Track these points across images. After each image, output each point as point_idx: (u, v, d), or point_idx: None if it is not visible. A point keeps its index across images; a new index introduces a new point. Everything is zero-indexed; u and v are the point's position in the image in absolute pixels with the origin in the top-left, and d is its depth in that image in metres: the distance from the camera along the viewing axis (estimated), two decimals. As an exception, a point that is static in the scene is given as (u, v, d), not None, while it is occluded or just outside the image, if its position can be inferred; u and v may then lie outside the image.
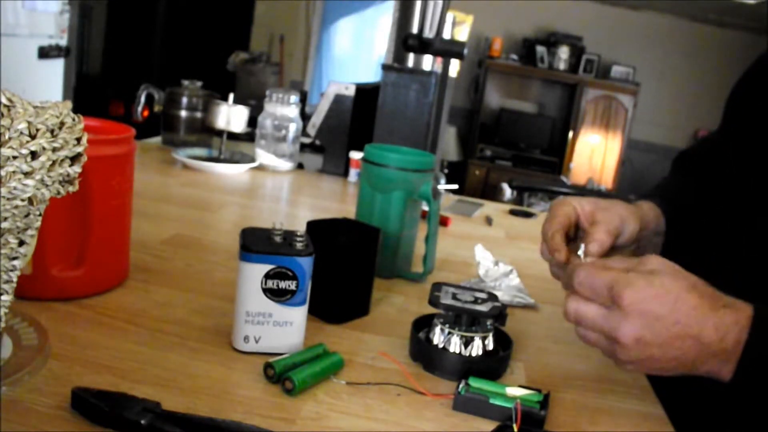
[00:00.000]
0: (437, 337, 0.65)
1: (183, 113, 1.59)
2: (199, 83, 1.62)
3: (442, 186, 0.90)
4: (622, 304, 0.54)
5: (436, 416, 0.56)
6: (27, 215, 0.47)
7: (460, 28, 4.24)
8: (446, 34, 1.46)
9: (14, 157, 0.41)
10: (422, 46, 1.37)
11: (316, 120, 1.57)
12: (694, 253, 0.68)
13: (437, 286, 0.70)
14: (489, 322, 0.66)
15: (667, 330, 0.53)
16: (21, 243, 0.48)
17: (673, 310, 0.53)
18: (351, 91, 1.54)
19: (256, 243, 0.60)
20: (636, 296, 0.53)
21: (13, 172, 0.41)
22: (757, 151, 0.72)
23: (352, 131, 1.56)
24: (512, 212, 1.46)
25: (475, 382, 0.60)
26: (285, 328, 0.62)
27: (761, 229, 0.70)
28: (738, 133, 0.79)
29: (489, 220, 1.34)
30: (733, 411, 0.68)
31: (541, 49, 5.02)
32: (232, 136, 1.56)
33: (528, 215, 1.45)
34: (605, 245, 0.66)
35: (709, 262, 0.63)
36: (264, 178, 1.48)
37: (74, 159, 0.48)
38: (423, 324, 0.70)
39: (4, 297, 0.49)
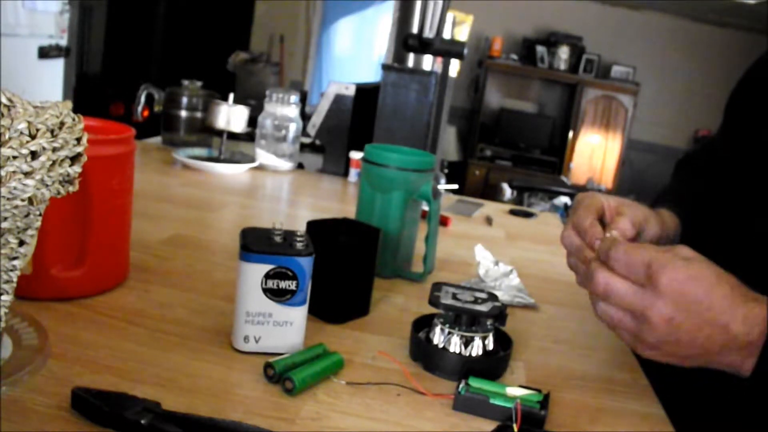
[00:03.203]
0: (437, 337, 0.65)
1: (183, 113, 1.59)
2: (199, 83, 1.62)
3: (442, 186, 0.90)
4: (659, 283, 0.53)
5: (436, 416, 0.56)
6: (27, 215, 0.47)
7: (460, 28, 4.24)
8: (446, 34, 1.46)
9: (14, 157, 0.41)
10: (422, 46, 1.37)
11: (316, 120, 1.57)
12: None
13: (437, 286, 0.70)
14: (489, 322, 0.66)
15: (699, 315, 0.53)
16: (21, 243, 0.48)
17: (708, 296, 0.53)
18: (351, 91, 1.54)
19: (256, 243, 0.60)
20: (674, 276, 0.53)
21: (13, 172, 0.41)
22: (756, 152, 0.72)
23: (352, 131, 1.56)
24: (512, 212, 1.46)
25: (475, 382, 0.60)
26: (285, 328, 0.62)
27: (760, 229, 0.70)
28: (738, 134, 0.79)
29: (489, 220, 1.34)
30: (733, 411, 0.68)
31: (541, 49, 5.02)
32: (232, 136, 1.56)
33: (528, 215, 1.45)
34: (628, 234, 0.65)
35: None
36: (264, 178, 1.48)
37: (74, 159, 0.48)
38: (423, 324, 0.70)
39: (4, 297, 0.49)
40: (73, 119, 0.47)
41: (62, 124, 0.46)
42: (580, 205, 0.69)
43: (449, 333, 0.64)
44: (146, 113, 1.63)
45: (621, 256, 0.56)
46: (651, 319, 0.53)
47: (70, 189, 0.48)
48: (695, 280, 0.53)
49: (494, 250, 0.97)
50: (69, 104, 0.48)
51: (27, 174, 0.42)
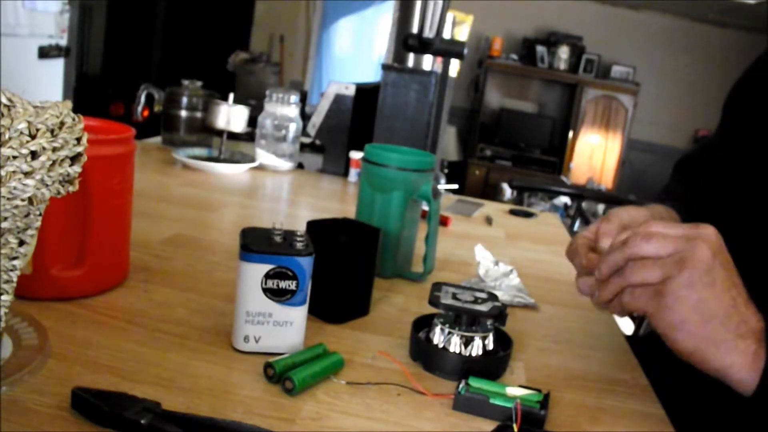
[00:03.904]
0: (437, 337, 0.65)
1: (183, 113, 1.59)
2: (199, 83, 1.62)
3: (442, 186, 0.90)
4: (702, 232, 0.55)
5: (436, 416, 0.56)
6: (27, 215, 0.47)
7: (460, 28, 4.24)
8: (446, 34, 1.46)
9: (14, 157, 0.41)
10: (422, 46, 1.37)
11: (316, 120, 1.57)
12: None
13: (437, 286, 0.70)
14: (489, 322, 0.66)
15: (731, 273, 0.55)
16: (21, 243, 0.48)
17: (735, 275, 0.56)
18: (351, 91, 1.54)
19: (256, 243, 0.60)
20: (713, 233, 0.56)
21: (13, 172, 0.41)
22: (754, 151, 0.72)
23: (352, 131, 1.56)
24: (512, 212, 1.46)
25: (475, 382, 0.60)
26: (285, 328, 0.62)
27: (759, 229, 0.70)
28: (736, 134, 0.79)
29: (489, 220, 1.34)
30: (733, 411, 0.68)
31: (541, 49, 5.02)
32: (232, 136, 1.56)
33: (528, 215, 1.45)
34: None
35: None
36: (264, 178, 1.48)
37: (74, 159, 0.48)
38: (423, 324, 0.70)
39: (4, 297, 0.49)
40: (73, 119, 0.47)
41: (62, 124, 0.46)
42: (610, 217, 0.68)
43: (449, 333, 0.64)
44: (146, 113, 1.63)
45: (658, 227, 0.57)
46: (695, 251, 0.54)
47: (70, 189, 0.48)
48: (726, 256, 0.56)
49: (494, 250, 0.97)
50: (69, 104, 0.48)
51: (27, 174, 0.42)
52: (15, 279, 0.49)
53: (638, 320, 0.62)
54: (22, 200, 0.43)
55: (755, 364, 0.54)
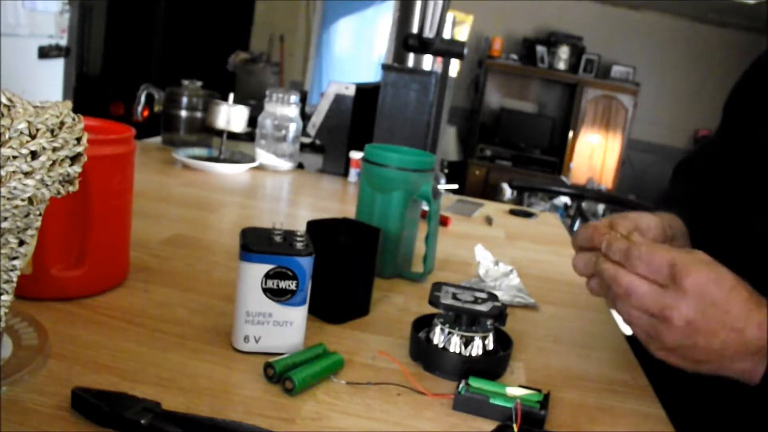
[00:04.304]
0: (437, 337, 0.65)
1: (183, 113, 1.59)
2: (199, 83, 1.62)
3: (442, 186, 0.90)
4: (684, 283, 0.53)
5: (436, 416, 0.56)
6: (27, 215, 0.47)
7: (460, 28, 4.24)
8: (446, 34, 1.46)
9: (14, 157, 0.41)
10: (422, 46, 1.37)
11: (316, 120, 1.57)
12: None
13: (437, 286, 0.70)
14: (489, 322, 0.66)
15: (717, 318, 0.53)
16: (21, 243, 0.48)
17: (728, 299, 0.53)
18: (351, 91, 1.54)
19: (256, 243, 0.60)
20: (699, 276, 0.53)
21: (13, 172, 0.41)
22: (754, 152, 0.72)
23: (352, 131, 1.56)
24: (512, 212, 1.46)
25: (475, 382, 0.60)
26: (285, 328, 0.62)
27: (759, 229, 0.69)
28: (737, 134, 0.78)
29: (489, 220, 1.34)
30: (733, 411, 0.68)
31: (541, 49, 5.02)
32: (232, 136, 1.56)
33: (528, 215, 1.45)
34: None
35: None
36: (264, 178, 1.48)
37: (74, 159, 0.48)
38: (423, 324, 0.70)
39: (4, 297, 0.49)
40: (73, 119, 0.47)
41: (62, 124, 0.46)
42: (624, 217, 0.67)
43: (449, 333, 0.64)
44: (146, 113, 1.63)
45: (644, 256, 0.55)
46: (672, 320, 0.53)
47: (70, 189, 0.48)
48: (717, 282, 0.53)
49: (494, 250, 0.97)
50: (69, 104, 0.48)
51: (27, 174, 0.42)
52: (15, 279, 0.49)
53: None
54: (22, 200, 0.43)
55: (757, 371, 0.55)
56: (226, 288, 0.76)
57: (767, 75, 0.76)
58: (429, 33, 1.38)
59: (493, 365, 0.65)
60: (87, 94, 3.66)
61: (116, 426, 0.47)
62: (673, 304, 0.53)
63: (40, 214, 0.48)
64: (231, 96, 1.52)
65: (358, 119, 1.55)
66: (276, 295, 0.61)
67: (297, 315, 0.62)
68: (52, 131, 0.44)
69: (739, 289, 0.54)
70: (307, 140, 1.73)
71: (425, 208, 0.91)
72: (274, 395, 0.56)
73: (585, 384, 0.67)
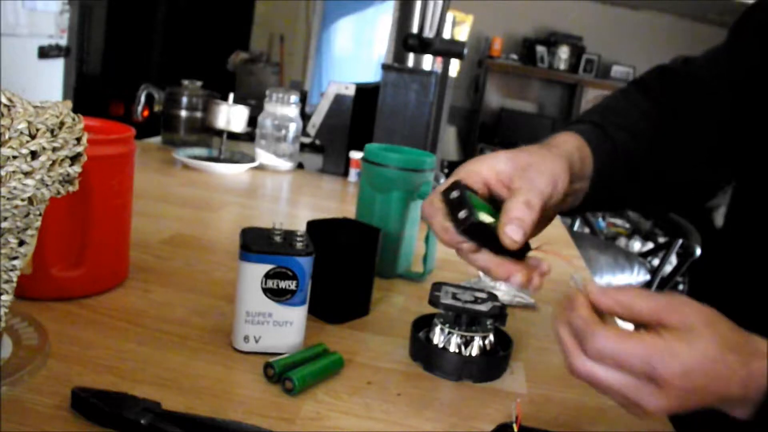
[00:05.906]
0: (437, 337, 0.65)
1: (183, 113, 1.59)
2: (199, 83, 1.62)
3: (442, 186, 0.89)
4: (661, 382, 0.48)
5: (436, 416, 0.56)
6: (27, 215, 0.47)
7: (460, 28, 4.24)
8: (446, 34, 1.46)
9: (14, 157, 0.41)
10: (422, 46, 1.36)
11: (316, 120, 1.57)
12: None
13: (437, 286, 0.70)
14: (489, 322, 0.66)
15: (699, 398, 0.49)
16: (21, 243, 0.48)
17: (710, 380, 0.48)
18: (351, 91, 1.54)
19: (256, 243, 0.60)
20: (678, 370, 0.47)
21: (13, 172, 0.41)
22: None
23: (352, 131, 1.56)
24: (512, 212, 1.45)
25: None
26: (285, 327, 0.62)
27: None
28: (747, 55, 0.74)
29: (489, 220, 1.33)
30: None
31: (541, 49, 5.02)
32: (232, 136, 1.56)
33: (528, 215, 1.44)
34: (526, 224, 0.55)
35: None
36: (264, 178, 1.48)
37: (74, 159, 0.48)
38: (423, 324, 0.70)
39: (4, 297, 0.49)
40: (73, 119, 0.47)
41: (62, 123, 0.46)
42: (450, 178, 0.57)
43: (449, 333, 0.64)
44: (146, 113, 1.63)
45: (609, 352, 0.48)
46: (648, 407, 0.49)
47: (70, 189, 0.48)
48: (699, 367, 0.48)
49: (494, 250, 0.97)
50: (69, 104, 0.48)
51: (27, 174, 0.42)
52: (15, 279, 0.49)
53: None
54: (22, 200, 0.43)
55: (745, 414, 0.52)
56: (226, 288, 0.76)
57: None
58: (429, 33, 1.38)
59: (493, 365, 0.65)
60: (87, 94, 3.66)
61: (116, 426, 0.47)
62: (649, 397, 0.49)
63: (40, 214, 0.48)
64: (231, 96, 1.51)
65: (358, 119, 1.55)
66: (276, 295, 0.61)
67: (297, 315, 0.62)
68: (52, 131, 0.44)
69: (724, 357, 0.48)
70: (307, 140, 1.73)
71: (425, 208, 0.91)
72: (274, 395, 0.56)
73: (585, 384, 0.66)
